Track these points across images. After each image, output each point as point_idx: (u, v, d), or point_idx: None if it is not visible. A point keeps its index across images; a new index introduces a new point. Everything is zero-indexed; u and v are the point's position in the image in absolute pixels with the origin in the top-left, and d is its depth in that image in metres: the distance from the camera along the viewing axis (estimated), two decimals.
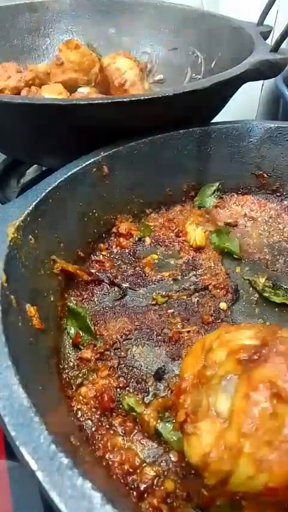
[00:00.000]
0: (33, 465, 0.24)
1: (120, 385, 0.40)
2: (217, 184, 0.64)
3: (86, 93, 0.76)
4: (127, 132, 0.56)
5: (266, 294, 0.50)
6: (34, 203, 0.44)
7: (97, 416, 0.38)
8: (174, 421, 0.35)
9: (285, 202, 0.64)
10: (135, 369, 0.42)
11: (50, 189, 0.47)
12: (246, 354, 0.30)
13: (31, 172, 0.83)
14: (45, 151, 0.63)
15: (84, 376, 0.41)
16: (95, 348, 0.43)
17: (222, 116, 0.70)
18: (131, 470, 0.34)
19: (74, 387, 0.40)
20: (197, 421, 0.29)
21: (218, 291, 0.51)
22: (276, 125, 0.62)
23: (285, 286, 0.52)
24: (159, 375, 0.41)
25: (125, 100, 0.51)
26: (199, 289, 0.51)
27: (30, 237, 0.42)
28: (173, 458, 0.35)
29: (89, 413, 0.38)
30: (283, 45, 0.63)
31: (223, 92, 0.65)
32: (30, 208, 0.43)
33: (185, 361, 0.34)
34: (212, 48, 0.82)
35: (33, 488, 0.39)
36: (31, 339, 0.37)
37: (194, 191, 0.64)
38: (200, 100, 0.58)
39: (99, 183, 0.54)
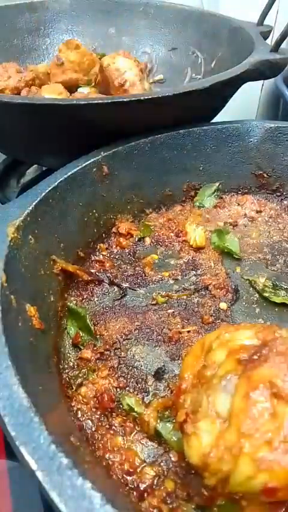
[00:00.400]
0: (33, 465, 0.24)
1: (120, 385, 0.40)
2: (217, 184, 0.64)
3: (86, 93, 0.76)
4: (127, 132, 0.56)
5: (266, 294, 0.50)
6: (34, 203, 0.44)
7: (97, 416, 0.38)
8: (174, 421, 0.35)
9: (285, 202, 0.64)
10: (135, 369, 0.42)
11: (50, 189, 0.47)
12: (246, 354, 0.30)
13: (31, 172, 0.83)
14: (45, 151, 0.63)
15: (84, 376, 0.41)
16: (95, 348, 0.43)
17: (222, 116, 0.70)
18: (131, 470, 0.34)
19: (74, 387, 0.40)
20: (197, 421, 0.29)
21: (218, 290, 0.51)
22: (276, 125, 0.62)
23: (285, 286, 0.52)
24: (159, 375, 0.41)
25: (124, 100, 0.51)
26: (199, 289, 0.51)
27: (30, 237, 0.42)
28: (173, 458, 0.35)
29: (89, 413, 0.38)
30: (283, 45, 0.63)
31: (223, 92, 0.65)
32: (30, 208, 0.43)
33: (185, 361, 0.34)
34: (212, 48, 0.82)
35: (33, 488, 0.39)
36: (31, 339, 0.37)
37: (194, 191, 0.64)
38: (200, 100, 0.58)
39: (99, 183, 0.54)
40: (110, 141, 0.55)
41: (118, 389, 0.40)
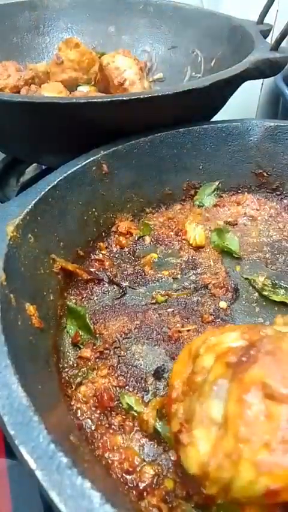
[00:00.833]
0: (33, 464, 0.24)
1: (120, 384, 0.40)
2: (217, 183, 0.64)
3: (85, 92, 0.76)
4: (127, 131, 0.56)
5: (265, 293, 0.50)
6: (33, 202, 0.44)
7: (96, 415, 0.38)
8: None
9: (285, 201, 0.64)
10: (134, 368, 0.42)
11: (49, 187, 0.46)
12: (235, 357, 0.29)
13: (30, 171, 0.83)
14: (44, 150, 0.63)
15: (84, 375, 0.41)
16: (94, 347, 0.43)
17: (222, 115, 0.70)
18: (130, 469, 0.34)
19: (73, 386, 0.40)
20: (192, 429, 0.28)
21: (218, 289, 0.51)
22: (276, 124, 0.62)
23: (284, 285, 0.52)
24: (158, 374, 0.41)
25: (124, 99, 0.51)
26: (199, 288, 0.51)
27: (30, 235, 0.42)
28: (172, 457, 0.35)
29: (88, 412, 0.38)
30: (283, 44, 0.63)
31: (223, 90, 0.65)
32: (30, 207, 0.43)
33: (174, 369, 0.34)
34: (211, 47, 0.82)
35: (32, 487, 0.39)
36: (30, 338, 0.37)
37: (194, 190, 0.64)
38: (200, 99, 0.57)
39: (99, 181, 0.54)
40: (109, 139, 0.55)
41: (118, 389, 0.40)
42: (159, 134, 0.58)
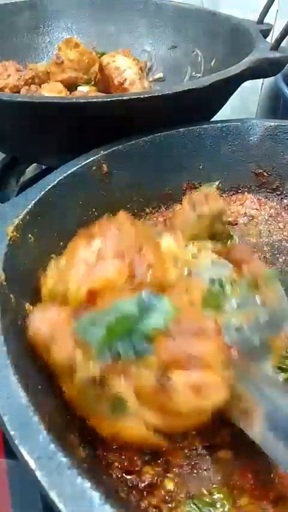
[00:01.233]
0: (32, 464, 0.24)
1: None
2: (217, 183, 0.64)
3: (85, 92, 0.76)
4: (127, 131, 0.56)
5: None
6: (33, 202, 0.44)
7: None
8: None
9: (285, 201, 0.64)
10: None
11: (49, 187, 0.46)
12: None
13: (30, 171, 0.82)
14: (44, 150, 0.63)
15: None
16: None
17: (222, 115, 0.70)
18: (130, 469, 0.34)
19: None
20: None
21: None
22: (276, 123, 0.62)
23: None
24: None
25: (124, 98, 0.51)
26: None
27: (30, 235, 0.42)
28: (172, 458, 0.35)
29: None
30: (283, 44, 0.63)
31: (223, 90, 0.65)
32: (30, 207, 0.43)
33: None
34: (212, 47, 0.82)
35: (32, 487, 0.38)
36: None
37: (194, 190, 0.64)
38: (200, 98, 0.57)
39: (99, 181, 0.54)
40: (109, 139, 0.55)
41: None
42: (159, 134, 0.58)
